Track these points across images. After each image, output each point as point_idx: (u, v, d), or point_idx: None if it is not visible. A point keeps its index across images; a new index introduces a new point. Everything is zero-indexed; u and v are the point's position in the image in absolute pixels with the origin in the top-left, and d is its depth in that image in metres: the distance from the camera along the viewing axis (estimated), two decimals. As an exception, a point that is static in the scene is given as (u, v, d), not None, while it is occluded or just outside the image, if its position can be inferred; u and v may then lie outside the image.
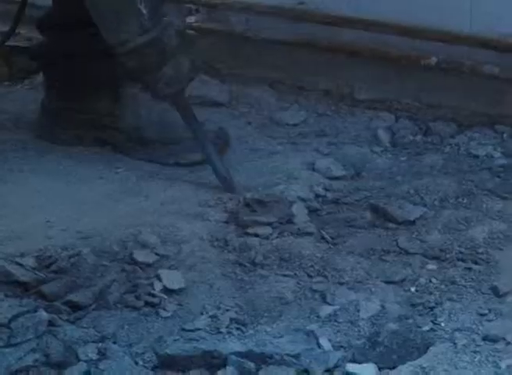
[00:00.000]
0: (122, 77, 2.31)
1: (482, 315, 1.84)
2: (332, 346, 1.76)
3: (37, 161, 2.26)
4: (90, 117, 2.26)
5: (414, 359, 1.73)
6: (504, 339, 1.78)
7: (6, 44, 2.45)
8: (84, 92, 2.33)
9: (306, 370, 1.70)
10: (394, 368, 1.69)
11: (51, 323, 1.70)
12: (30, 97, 2.46)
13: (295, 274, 1.88)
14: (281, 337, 1.82)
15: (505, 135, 2.29)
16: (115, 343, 1.67)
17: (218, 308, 1.76)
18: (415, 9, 2.43)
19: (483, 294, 1.88)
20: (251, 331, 1.80)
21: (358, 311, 1.87)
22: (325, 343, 1.78)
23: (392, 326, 1.78)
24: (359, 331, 1.80)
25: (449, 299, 1.84)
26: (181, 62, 2.21)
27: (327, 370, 1.72)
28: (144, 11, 2.17)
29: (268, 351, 1.76)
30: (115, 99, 2.36)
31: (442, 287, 1.93)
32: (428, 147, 2.30)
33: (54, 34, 2.34)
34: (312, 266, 1.91)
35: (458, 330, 1.80)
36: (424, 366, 1.66)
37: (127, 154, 2.31)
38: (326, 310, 1.89)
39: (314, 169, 2.17)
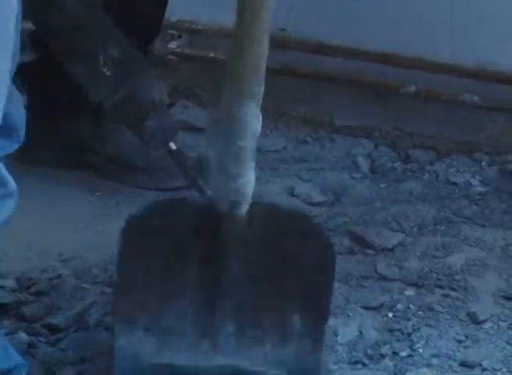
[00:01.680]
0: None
1: (459, 341, 1.84)
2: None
3: (15, 183, 2.23)
4: (71, 139, 2.25)
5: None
6: (481, 365, 1.79)
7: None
8: (66, 114, 2.33)
9: None
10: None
11: (30, 345, 1.71)
12: None
13: None
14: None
15: (483, 163, 2.30)
16: (95, 367, 1.66)
17: None
18: (395, 37, 2.45)
19: (460, 320, 1.88)
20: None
21: (336, 336, 1.87)
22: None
23: (370, 351, 1.74)
24: (337, 356, 1.76)
25: (427, 325, 1.84)
26: (164, 116, 2.24)
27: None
28: (108, 73, 2.16)
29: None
30: (97, 122, 2.36)
31: (420, 313, 1.92)
32: (407, 174, 2.31)
33: (39, 55, 2.34)
34: None
35: (435, 355, 1.81)
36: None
37: (108, 177, 2.30)
38: None
39: (293, 195, 2.19)
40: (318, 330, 1.78)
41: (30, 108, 2.24)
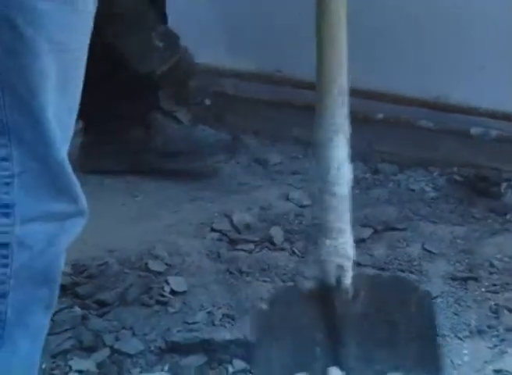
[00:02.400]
0: (152, 110, 2.26)
1: None
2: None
3: None
4: (124, 147, 2.21)
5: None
6: None
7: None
8: (118, 126, 2.27)
9: None
10: None
11: (83, 317, 1.73)
12: None
13: (272, 280, 1.89)
14: None
15: (435, 174, 2.31)
16: (133, 333, 1.68)
17: (213, 306, 1.76)
18: (368, 76, 2.41)
19: None
20: (239, 324, 1.76)
21: None
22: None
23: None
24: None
25: (392, 302, 1.80)
26: (201, 77, 2.24)
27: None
28: (161, 44, 2.15)
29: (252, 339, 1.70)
30: (147, 126, 2.30)
31: None
32: (375, 183, 2.33)
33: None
34: (285, 274, 1.92)
35: None
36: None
37: (159, 168, 2.26)
38: None
39: (288, 199, 2.19)
40: None
41: (86, 122, 2.24)
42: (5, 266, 1.14)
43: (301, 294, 1.61)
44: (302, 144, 2.50)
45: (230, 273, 1.87)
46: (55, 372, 1.60)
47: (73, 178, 1.20)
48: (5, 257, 1.13)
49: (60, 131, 1.19)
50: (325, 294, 1.59)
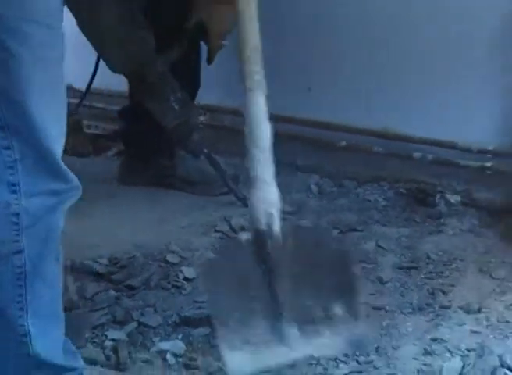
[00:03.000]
0: (175, 143, 2.25)
1: (372, 294, 1.78)
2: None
3: (117, 200, 2.24)
4: (155, 168, 2.23)
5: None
6: (384, 308, 1.72)
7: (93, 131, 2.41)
8: (152, 152, 2.29)
9: None
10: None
11: (116, 298, 1.73)
12: (107, 163, 2.43)
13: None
14: None
15: (385, 188, 2.29)
16: (155, 310, 1.67)
17: None
18: (333, 113, 2.42)
19: (372, 281, 1.84)
20: None
21: None
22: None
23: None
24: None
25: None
26: (201, 134, 2.19)
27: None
28: (176, 107, 2.11)
29: None
30: (172, 157, 2.31)
31: None
32: (340, 195, 2.30)
33: (130, 119, 2.31)
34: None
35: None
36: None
37: (180, 190, 2.27)
38: None
39: (273, 207, 2.12)
40: (354, 310, 1.55)
41: (126, 147, 2.28)
42: (17, 230, 1.16)
43: (241, 244, 1.53)
44: (284, 166, 2.38)
45: (229, 263, 1.85)
46: (95, 340, 1.60)
47: (63, 165, 1.20)
48: (16, 223, 1.15)
49: (51, 126, 1.18)
50: (259, 239, 1.49)
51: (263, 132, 1.52)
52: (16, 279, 1.20)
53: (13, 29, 1.12)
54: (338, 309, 1.53)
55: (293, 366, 1.56)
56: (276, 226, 1.48)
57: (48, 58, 1.19)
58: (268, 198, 1.50)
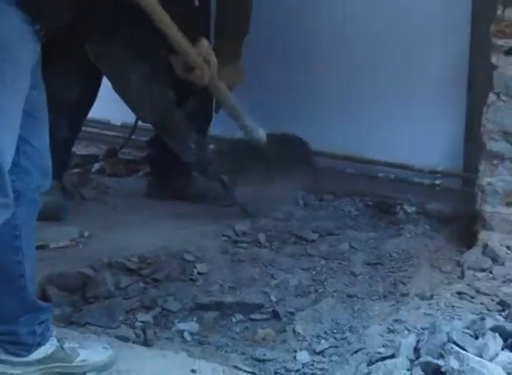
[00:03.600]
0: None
1: (346, 285, 1.80)
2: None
3: (143, 209, 2.18)
4: (175, 187, 2.16)
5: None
6: (357, 296, 1.73)
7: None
8: (171, 174, 2.23)
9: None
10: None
11: (144, 288, 1.73)
12: (137, 182, 2.35)
13: (258, 265, 1.87)
14: (253, 294, 1.77)
15: (356, 201, 2.25)
16: (175, 298, 1.65)
17: (223, 281, 1.76)
18: (315, 140, 2.31)
19: (346, 274, 1.86)
20: (239, 292, 1.76)
21: (288, 282, 1.81)
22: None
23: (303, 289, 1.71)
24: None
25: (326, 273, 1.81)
26: (216, 167, 2.16)
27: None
28: (193, 146, 2.06)
29: (247, 301, 1.72)
30: (188, 178, 2.24)
31: (330, 272, 1.86)
32: (321, 207, 2.27)
33: (156, 148, 2.25)
34: (266, 261, 1.90)
35: (335, 291, 1.76)
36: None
37: (194, 202, 2.21)
38: (276, 280, 1.82)
39: (268, 217, 2.11)
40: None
41: (152, 169, 2.22)
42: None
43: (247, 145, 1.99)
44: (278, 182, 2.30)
45: (233, 261, 1.85)
46: (127, 322, 1.59)
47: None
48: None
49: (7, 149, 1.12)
50: (256, 144, 1.94)
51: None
52: None
53: None
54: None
55: (283, 341, 1.56)
56: (264, 138, 1.96)
57: (11, 88, 1.13)
58: (254, 125, 1.96)
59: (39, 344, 1.27)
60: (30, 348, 1.26)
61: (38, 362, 1.27)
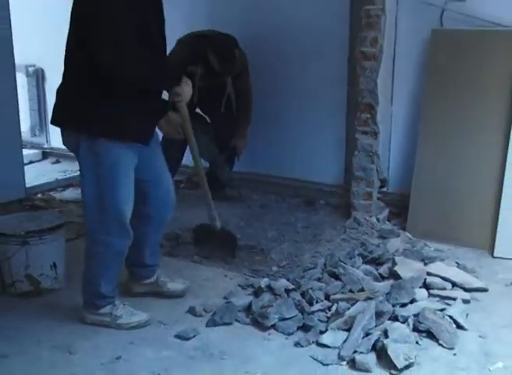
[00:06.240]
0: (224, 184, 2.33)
1: (293, 236, 2.03)
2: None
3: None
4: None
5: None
6: (298, 241, 1.96)
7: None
8: (217, 183, 2.31)
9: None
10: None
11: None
12: (198, 191, 2.04)
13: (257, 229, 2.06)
14: (254, 241, 2.00)
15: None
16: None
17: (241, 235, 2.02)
18: (266, 166, 2.47)
19: (293, 232, 2.11)
20: (246, 241, 1.99)
21: (268, 236, 2.04)
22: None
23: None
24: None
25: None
26: (234, 184, 2.29)
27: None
28: (225, 173, 2.33)
29: (250, 244, 1.93)
30: (223, 187, 2.38)
31: (286, 231, 2.07)
32: (273, 204, 2.43)
33: (210, 173, 2.29)
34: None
35: (289, 239, 2.01)
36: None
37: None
38: (265, 234, 2.03)
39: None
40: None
41: (209, 180, 1.88)
42: None
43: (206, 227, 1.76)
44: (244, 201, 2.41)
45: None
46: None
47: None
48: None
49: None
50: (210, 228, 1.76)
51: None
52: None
53: None
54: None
55: (266, 262, 1.74)
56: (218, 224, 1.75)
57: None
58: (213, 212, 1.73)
59: (149, 277, 1.49)
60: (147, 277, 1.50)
61: (148, 284, 1.49)
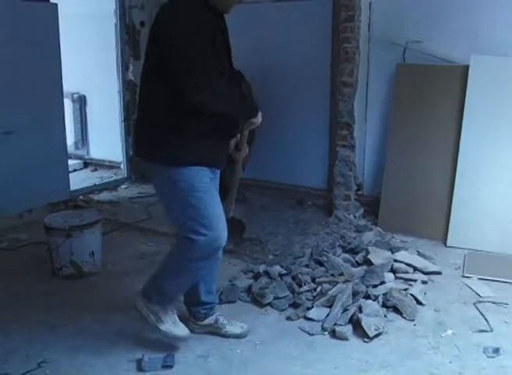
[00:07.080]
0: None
1: (286, 230, 1.99)
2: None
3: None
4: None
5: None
6: (290, 235, 1.91)
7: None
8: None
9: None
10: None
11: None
12: None
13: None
14: (253, 234, 1.92)
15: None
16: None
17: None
18: (262, 173, 2.38)
19: (286, 227, 2.05)
20: (250, 234, 1.90)
21: (265, 230, 1.97)
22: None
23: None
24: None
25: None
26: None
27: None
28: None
29: (250, 237, 1.86)
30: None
31: (279, 226, 2.02)
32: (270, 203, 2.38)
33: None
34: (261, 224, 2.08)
35: (282, 233, 1.96)
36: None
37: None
38: (263, 227, 1.99)
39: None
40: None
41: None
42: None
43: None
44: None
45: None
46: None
47: None
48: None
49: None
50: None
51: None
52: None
53: None
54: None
55: (263, 252, 1.68)
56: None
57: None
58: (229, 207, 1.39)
59: (207, 316, 1.29)
60: (204, 318, 1.30)
61: (207, 325, 1.29)
